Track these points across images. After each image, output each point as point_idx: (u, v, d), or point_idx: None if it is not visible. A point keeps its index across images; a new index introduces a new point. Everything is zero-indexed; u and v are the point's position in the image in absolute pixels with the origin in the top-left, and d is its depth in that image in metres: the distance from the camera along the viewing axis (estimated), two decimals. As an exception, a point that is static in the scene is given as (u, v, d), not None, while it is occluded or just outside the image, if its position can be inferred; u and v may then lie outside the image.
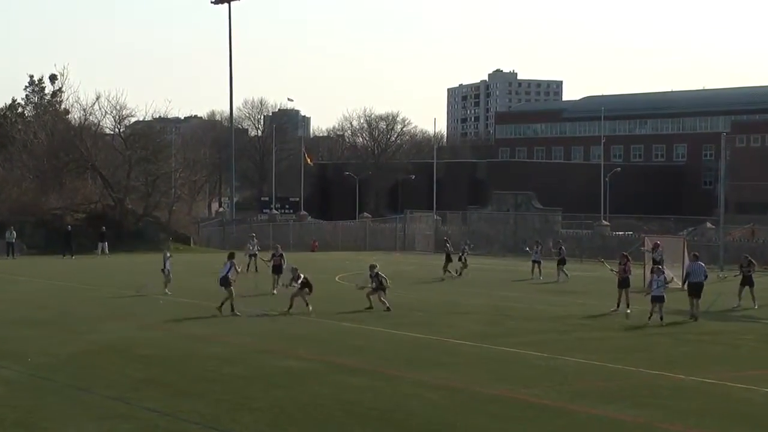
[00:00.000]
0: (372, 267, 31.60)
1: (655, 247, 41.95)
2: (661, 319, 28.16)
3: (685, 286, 31.41)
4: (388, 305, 30.51)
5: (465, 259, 47.88)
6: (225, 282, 30.03)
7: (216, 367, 20.28)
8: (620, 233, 69.89)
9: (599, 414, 16.07)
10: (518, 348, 23.38)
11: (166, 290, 36.50)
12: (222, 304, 29.91)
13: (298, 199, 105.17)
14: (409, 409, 16.28)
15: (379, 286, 30.81)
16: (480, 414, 16.12)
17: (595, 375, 19.97)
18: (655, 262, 38.46)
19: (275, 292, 36.11)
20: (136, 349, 22.81)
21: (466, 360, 21.67)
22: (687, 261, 38.93)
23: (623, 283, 31.60)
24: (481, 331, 26.75)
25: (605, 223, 75.16)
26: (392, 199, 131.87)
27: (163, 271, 37.19)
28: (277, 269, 38.07)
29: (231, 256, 31.04)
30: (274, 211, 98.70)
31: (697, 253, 33.51)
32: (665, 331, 27.02)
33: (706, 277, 32.08)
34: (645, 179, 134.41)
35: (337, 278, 43.37)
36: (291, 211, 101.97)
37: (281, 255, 38.64)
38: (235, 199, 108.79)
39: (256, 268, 46.07)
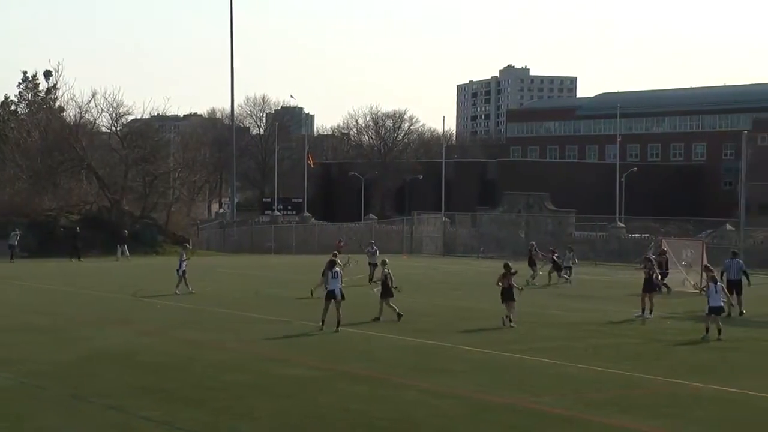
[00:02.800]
0: (383, 263, 31.34)
1: (661, 253, 42.16)
2: (719, 332, 26.51)
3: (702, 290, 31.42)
4: (398, 311, 29.81)
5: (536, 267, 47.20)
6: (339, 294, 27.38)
7: (217, 375, 20.30)
8: (636, 236, 69.82)
9: (614, 424, 16.05)
10: (530, 355, 23.37)
11: (176, 290, 37.01)
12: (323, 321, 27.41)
13: (301, 200, 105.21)
14: (416, 419, 16.27)
15: (386, 291, 30.35)
16: (489, 423, 16.12)
17: (611, 383, 19.95)
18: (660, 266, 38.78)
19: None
20: (134, 355, 22.84)
21: (475, 367, 21.67)
22: (704, 264, 39.26)
23: (648, 286, 31.58)
24: (490, 337, 26.73)
25: (620, 225, 75.10)
26: (399, 200, 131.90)
27: (177, 271, 38.04)
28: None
29: (333, 264, 27.70)
30: (277, 213, 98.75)
31: (735, 250, 34.24)
32: (684, 339, 26.96)
33: (745, 273, 32.77)
34: (662, 179, 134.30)
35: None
36: (294, 212, 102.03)
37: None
38: (236, 200, 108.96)
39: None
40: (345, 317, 27.51)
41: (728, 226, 69.03)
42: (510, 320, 28.67)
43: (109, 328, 28.12)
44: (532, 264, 46.63)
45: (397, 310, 29.81)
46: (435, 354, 23.71)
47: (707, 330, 26.75)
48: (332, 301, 27.24)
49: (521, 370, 21.51)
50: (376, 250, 46.39)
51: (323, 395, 18.17)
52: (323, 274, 29.39)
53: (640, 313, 31.24)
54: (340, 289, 27.43)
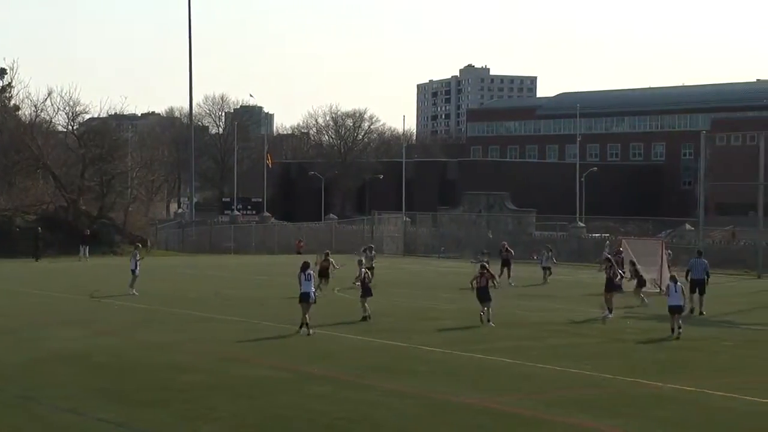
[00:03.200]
0: (360, 263, 31.43)
1: (617, 252, 42.62)
2: (678, 328, 27.01)
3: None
4: (368, 313, 29.99)
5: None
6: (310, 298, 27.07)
7: (176, 376, 20.20)
8: (596, 235, 70.24)
9: (575, 423, 16.14)
10: (490, 355, 23.44)
11: (133, 290, 36.90)
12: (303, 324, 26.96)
13: (260, 199, 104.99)
14: (376, 419, 16.28)
15: (366, 291, 30.25)
16: (450, 424, 16.15)
17: (571, 383, 20.05)
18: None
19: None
20: (91, 356, 22.67)
21: (438, 368, 21.71)
22: (666, 264, 39.69)
23: (610, 286, 31.75)
24: (453, 337, 26.80)
25: (581, 224, 75.58)
26: (359, 199, 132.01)
27: (133, 272, 38.13)
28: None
29: (306, 266, 27.49)
30: (236, 212, 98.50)
31: (700, 250, 34.77)
32: (643, 338, 27.17)
33: (708, 274, 33.32)
34: (622, 179, 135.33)
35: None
36: (253, 212, 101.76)
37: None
38: (194, 200, 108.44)
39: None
40: (314, 317, 27.37)
41: (687, 226, 69.68)
42: (488, 320, 28.83)
43: (66, 329, 27.87)
44: (506, 264, 46.03)
45: (368, 312, 29.95)
46: (397, 354, 23.73)
47: (673, 329, 27.05)
48: (306, 303, 27.09)
49: (482, 370, 21.58)
50: (374, 255, 45.56)
51: (284, 396, 18.13)
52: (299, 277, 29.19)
53: (607, 314, 31.25)
54: (313, 292, 27.34)
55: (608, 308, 31.50)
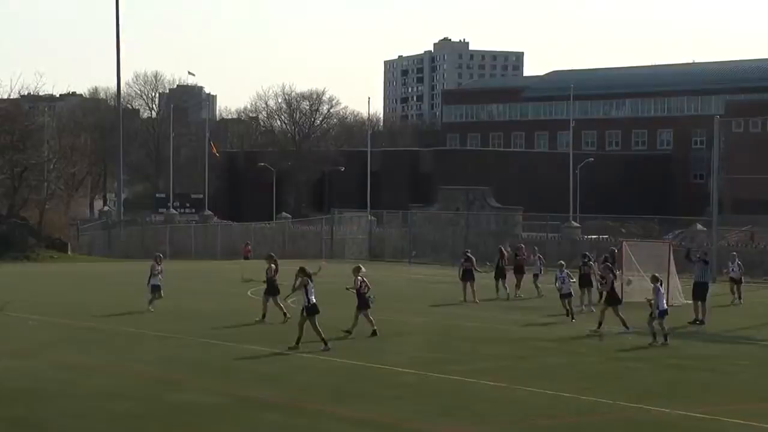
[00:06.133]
0: (357, 270, 31.51)
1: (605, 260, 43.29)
2: (665, 338, 28.93)
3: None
4: (348, 330, 30.32)
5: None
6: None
7: (101, 404, 20.15)
8: (593, 237, 70.55)
9: (567, 456, 16.24)
10: (471, 376, 23.52)
11: (150, 307, 36.05)
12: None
13: (201, 195, 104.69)
14: (337, 453, 16.32)
15: (362, 301, 30.48)
16: (423, 457, 16.21)
17: (564, 409, 20.17)
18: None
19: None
20: (1, 382, 22.56)
21: (407, 391, 21.75)
22: (674, 271, 40.17)
23: (613, 299, 31.97)
24: (426, 356, 26.87)
25: (575, 224, 75.85)
26: (317, 195, 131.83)
27: (156, 287, 36.89)
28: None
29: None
30: (173, 211, 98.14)
31: (706, 251, 35.34)
32: (644, 355, 27.36)
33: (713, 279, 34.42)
34: (623, 171, 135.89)
35: (249, 292, 43.25)
36: (193, 210, 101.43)
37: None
38: (123, 196, 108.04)
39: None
40: (251, 331, 27.38)
41: (699, 226, 70.08)
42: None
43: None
44: (519, 271, 45.24)
45: (351, 328, 30.25)
46: (360, 376, 23.77)
47: (654, 336, 28.55)
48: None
49: (461, 394, 21.65)
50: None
51: (225, 425, 18.14)
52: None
53: (625, 330, 31.31)
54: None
55: (625, 324, 31.50)
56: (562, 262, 37.43)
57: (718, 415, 19.44)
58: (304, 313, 27.35)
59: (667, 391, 22.14)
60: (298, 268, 28.25)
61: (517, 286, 44.55)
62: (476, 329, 32.36)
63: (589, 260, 39.36)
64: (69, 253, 74.00)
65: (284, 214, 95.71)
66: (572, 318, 34.17)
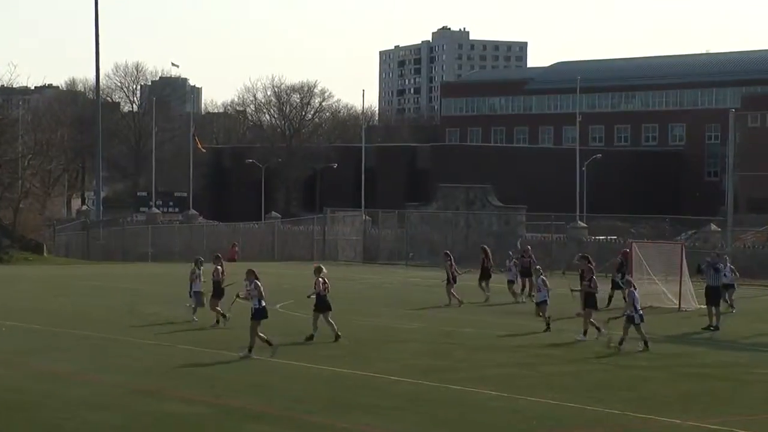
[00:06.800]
0: (317, 270, 31.37)
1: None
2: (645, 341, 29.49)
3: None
4: (311, 334, 30.40)
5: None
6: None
7: (80, 414, 20.16)
8: (601, 238, 70.58)
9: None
10: (471, 386, 23.51)
11: (194, 317, 35.21)
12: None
13: (185, 194, 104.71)
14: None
15: (324, 305, 30.34)
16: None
17: (570, 420, 20.18)
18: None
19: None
20: (-28, 391, 22.56)
21: (403, 402, 21.74)
22: (686, 274, 40.29)
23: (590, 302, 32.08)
24: (422, 364, 26.86)
25: (581, 224, 75.88)
26: (308, 194, 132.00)
27: (194, 293, 35.69)
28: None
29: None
30: (155, 210, 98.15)
31: (719, 252, 35.52)
32: (657, 364, 27.35)
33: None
34: (633, 168, 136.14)
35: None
36: (177, 209, 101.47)
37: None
38: (103, 195, 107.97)
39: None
40: (245, 338, 27.40)
41: (713, 226, 70.13)
42: None
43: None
44: (526, 274, 44.94)
45: (336, 329, 30.26)
46: (353, 386, 23.76)
47: (646, 343, 29.12)
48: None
49: (461, 405, 21.64)
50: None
51: (210, 438, 18.13)
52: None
53: (583, 338, 31.50)
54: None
55: (592, 328, 31.68)
56: (539, 267, 37.78)
57: (733, 426, 19.44)
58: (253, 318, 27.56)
59: (681, 402, 22.12)
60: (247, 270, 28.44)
61: (523, 288, 44.72)
62: (475, 336, 32.36)
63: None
64: (45, 254, 73.86)
65: (273, 213, 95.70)
66: (547, 328, 33.78)
